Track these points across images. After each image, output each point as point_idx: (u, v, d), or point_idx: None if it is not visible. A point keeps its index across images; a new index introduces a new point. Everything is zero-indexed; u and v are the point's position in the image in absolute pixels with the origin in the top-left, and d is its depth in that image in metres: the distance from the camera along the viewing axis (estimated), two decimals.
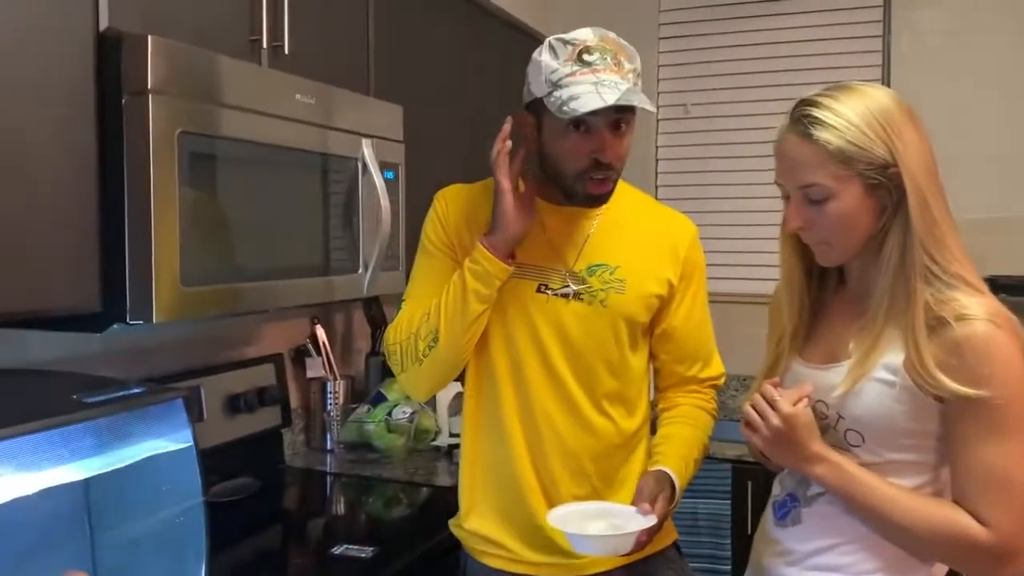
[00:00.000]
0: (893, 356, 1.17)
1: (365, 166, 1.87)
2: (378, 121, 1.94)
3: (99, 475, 1.08)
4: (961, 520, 1.14)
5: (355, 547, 1.68)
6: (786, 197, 1.25)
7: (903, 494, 1.18)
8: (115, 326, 1.38)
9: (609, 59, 1.39)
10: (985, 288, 1.20)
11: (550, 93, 1.40)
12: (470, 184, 1.62)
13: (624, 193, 1.57)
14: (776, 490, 1.36)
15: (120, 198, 1.35)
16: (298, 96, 1.67)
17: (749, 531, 2.55)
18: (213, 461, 1.86)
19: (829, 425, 1.23)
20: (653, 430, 1.60)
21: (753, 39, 3.12)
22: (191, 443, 1.14)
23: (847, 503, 1.21)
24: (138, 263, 1.35)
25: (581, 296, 1.49)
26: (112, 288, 1.35)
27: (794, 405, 1.20)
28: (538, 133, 1.47)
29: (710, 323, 1.63)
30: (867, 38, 2.98)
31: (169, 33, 1.38)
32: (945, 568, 1.25)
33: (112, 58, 1.33)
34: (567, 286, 1.50)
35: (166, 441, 1.14)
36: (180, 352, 2.00)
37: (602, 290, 1.50)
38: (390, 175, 1.96)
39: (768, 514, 1.36)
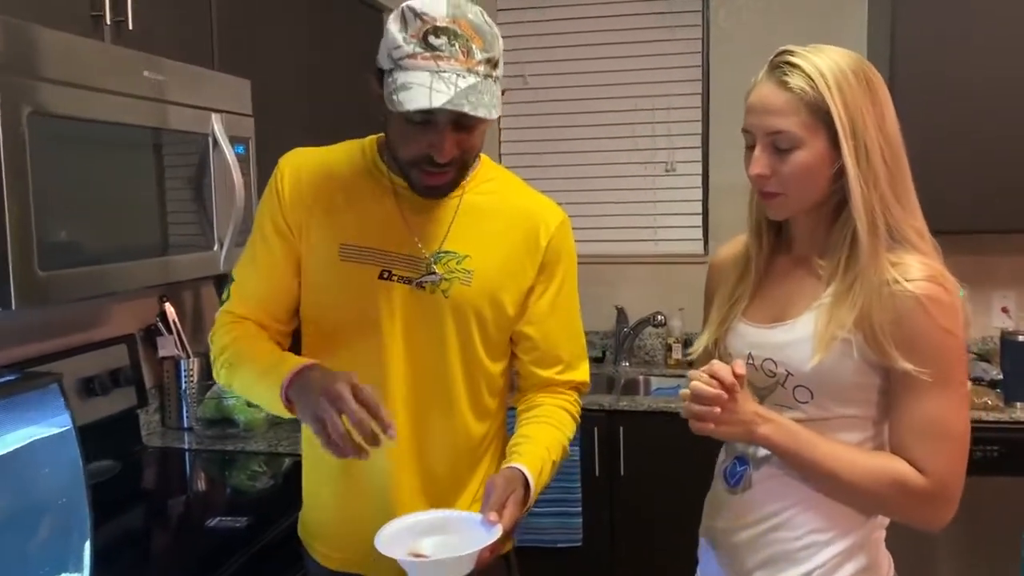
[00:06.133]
0: (847, 315, 1.17)
1: (216, 141, 1.87)
2: (226, 96, 1.94)
3: None
4: (900, 468, 1.17)
5: (229, 519, 1.72)
6: (750, 146, 1.23)
7: (843, 447, 1.20)
8: None
9: (458, 47, 1.19)
10: (930, 248, 1.21)
11: (390, 71, 1.21)
12: (323, 148, 1.43)
13: (489, 175, 1.43)
14: (722, 457, 1.36)
15: None
16: (146, 73, 1.65)
17: (596, 473, 2.76)
18: None
19: (778, 383, 1.23)
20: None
21: (584, 12, 3.27)
22: (69, 426, 1.15)
23: (791, 459, 1.21)
24: None
25: (423, 285, 1.35)
26: None
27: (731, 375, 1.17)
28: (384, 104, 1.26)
29: (579, 324, 1.47)
30: (688, 12, 3.20)
31: (7, 10, 1.35)
32: (884, 530, 1.28)
33: None
34: (411, 274, 1.35)
35: (41, 427, 1.14)
36: (25, 338, 1.93)
37: (446, 279, 1.35)
38: (240, 149, 1.97)
39: (717, 481, 1.35)
